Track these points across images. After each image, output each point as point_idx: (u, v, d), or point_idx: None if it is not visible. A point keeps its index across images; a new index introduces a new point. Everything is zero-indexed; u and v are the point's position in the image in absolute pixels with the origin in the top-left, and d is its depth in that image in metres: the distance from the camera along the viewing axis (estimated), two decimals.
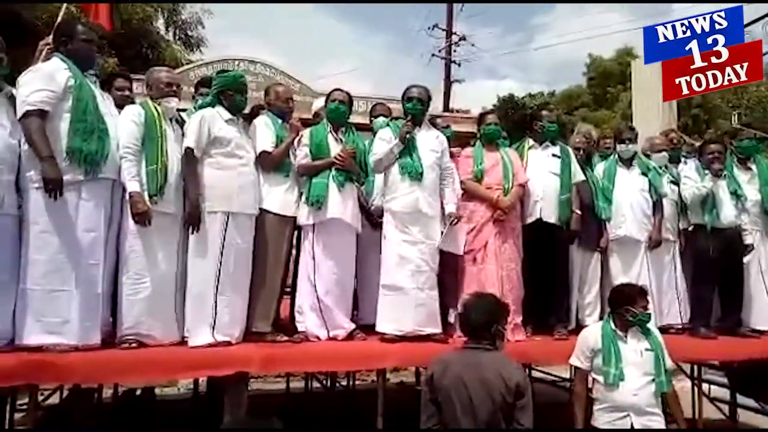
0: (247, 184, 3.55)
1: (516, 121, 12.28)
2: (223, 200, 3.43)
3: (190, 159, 3.42)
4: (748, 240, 4.51)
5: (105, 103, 3.32)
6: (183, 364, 3.27)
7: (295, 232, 3.94)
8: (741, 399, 5.06)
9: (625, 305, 3.24)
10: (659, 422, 3.15)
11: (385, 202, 3.84)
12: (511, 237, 4.03)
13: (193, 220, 3.37)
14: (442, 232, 3.79)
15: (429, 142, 3.88)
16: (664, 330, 3.98)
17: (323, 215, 3.69)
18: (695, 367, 4.60)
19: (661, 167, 4.61)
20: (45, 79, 3.04)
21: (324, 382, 5.88)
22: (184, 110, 3.80)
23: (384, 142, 3.85)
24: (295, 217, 3.76)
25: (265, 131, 3.71)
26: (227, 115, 3.57)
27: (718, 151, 4.50)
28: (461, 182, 4.07)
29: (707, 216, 4.42)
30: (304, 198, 3.74)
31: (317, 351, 3.56)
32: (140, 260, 3.28)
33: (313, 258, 3.72)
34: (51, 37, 3.43)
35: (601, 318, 4.15)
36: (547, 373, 6.31)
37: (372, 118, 4.50)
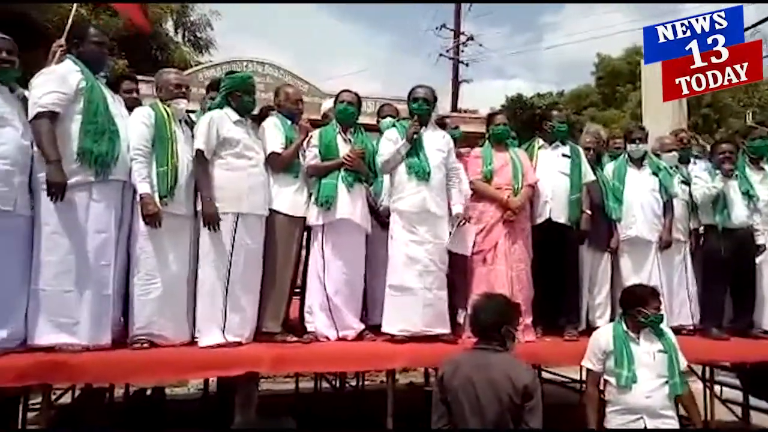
0: (256, 185, 3.56)
1: (525, 121, 12.25)
2: (233, 201, 3.45)
3: (201, 160, 3.44)
4: (760, 240, 4.47)
5: (116, 105, 3.35)
6: (193, 364, 3.28)
7: (305, 233, 3.95)
8: (754, 401, 5.01)
9: (637, 306, 3.21)
10: (673, 425, 3.12)
11: (392, 202, 3.83)
12: (521, 237, 4.02)
13: (211, 218, 3.38)
14: (450, 233, 3.79)
15: (435, 141, 3.88)
16: (675, 331, 3.92)
17: (332, 216, 3.70)
18: (707, 369, 4.57)
19: (671, 167, 4.59)
20: (57, 81, 3.07)
21: (333, 382, 5.89)
22: (193, 111, 3.82)
23: (390, 142, 3.84)
24: (304, 218, 3.77)
25: (275, 132, 3.72)
26: (236, 117, 3.58)
27: (729, 151, 4.47)
28: (470, 182, 4.07)
29: (718, 216, 4.40)
30: (313, 198, 3.75)
31: (327, 351, 3.56)
32: (151, 261, 3.29)
33: (323, 258, 3.72)
34: (63, 39, 3.46)
35: (611, 319, 4.13)
36: (557, 374, 6.28)
37: (379, 119, 4.51)
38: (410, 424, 3.37)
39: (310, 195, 3.79)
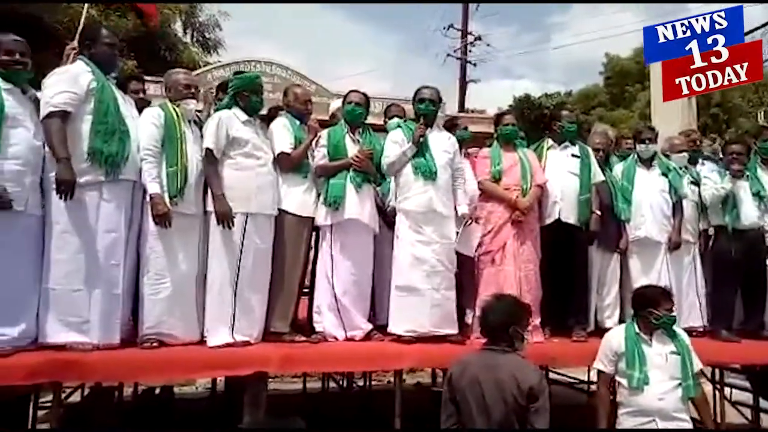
0: (265, 185, 3.57)
1: (532, 121, 12.21)
2: (242, 201, 3.46)
3: (211, 159, 3.45)
4: None
5: (126, 105, 3.37)
6: (202, 364, 3.30)
7: (313, 233, 3.95)
8: (764, 403, 4.98)
9: (648, 308, 3.19)
10: (687, 427, 3.08)
11: (398, 202, 3.83)
12: (530, 238, 4.01)
13: (224, 216, 3.39)
14: (457, 233, 3.78)
15: (441, 142, 3.88)
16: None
17: (341, 216, 3.70)
18: (717, 371, 4.53)
19: (681, 168, 4.56)
20: (69, 81, 3.10)
21: (341, 382, 5.89)
22: (201, 111, 3.84)
23: (395, 144, 3.84)
24: (313, 218, 3.78)
25: (284, 132, 3.73)
26: (244, 117, 3.60)
27: (738, 152, 4.43)
28: (479, 183, 4.06)
29: (728, 217, 4.37)
30: (322, 199, 3.75)
31: (335, 351, 3.57)
32: (161, 261, 3.31)
33: (331, 258, 3.73)
34: (76, 41, 3.49)
35: (620, 320, 4.11)
36: (565, 375, 6.26)
37: (387, 119, 4.51)
38: (417, 425, 3.37)
39: (318, 195, 3.80)
